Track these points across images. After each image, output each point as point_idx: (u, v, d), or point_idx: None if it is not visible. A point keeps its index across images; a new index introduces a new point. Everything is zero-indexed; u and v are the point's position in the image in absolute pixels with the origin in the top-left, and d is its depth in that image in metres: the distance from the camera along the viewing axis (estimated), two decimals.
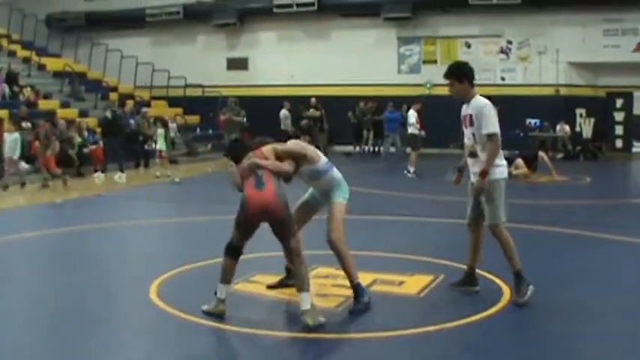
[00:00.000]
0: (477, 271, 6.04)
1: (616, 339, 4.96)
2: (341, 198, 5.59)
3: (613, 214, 10.61)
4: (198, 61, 24.07)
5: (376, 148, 21.83)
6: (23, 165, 14.35)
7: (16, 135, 14.07)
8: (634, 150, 21.29)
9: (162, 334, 5.18)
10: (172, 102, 23.72)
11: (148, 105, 21.84)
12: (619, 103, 21.08)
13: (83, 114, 19.31)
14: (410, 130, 15.60)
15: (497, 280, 6.19)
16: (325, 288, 6.02)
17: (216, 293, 5.25)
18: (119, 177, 15.10)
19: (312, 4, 22.42)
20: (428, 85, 21.44)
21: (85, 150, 16.39)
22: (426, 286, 6.17)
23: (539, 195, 12.85)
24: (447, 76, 5.83)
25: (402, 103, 18.71)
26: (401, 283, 6.28)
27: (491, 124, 5.60)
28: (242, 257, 5.32)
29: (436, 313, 5.47)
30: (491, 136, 5.58)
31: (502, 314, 5.40)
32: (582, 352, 4.75)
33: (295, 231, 5.31)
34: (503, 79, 21.38)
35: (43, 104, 18.97)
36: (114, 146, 16.14)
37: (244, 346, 5.00)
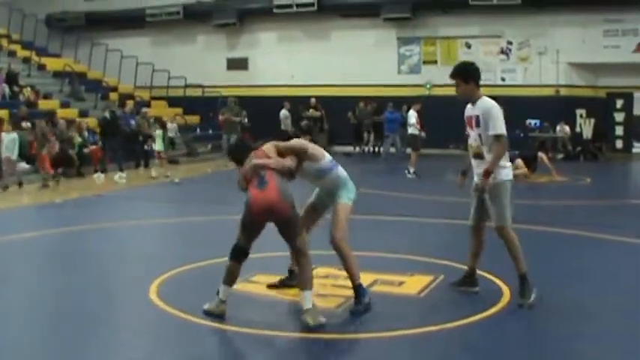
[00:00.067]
0: (477, 271, 6.04)
1: (615, 339, 4.97)
2: (346, 198, 5.56)
3: (613, 214, 10.61)
4: (198, 61, 24.08)
5: (376, 149, 21.83)
6: (22, 165, 14.35)
7: (14, 135, 14.07)
8: (634, 151, 21.28)
9: (162, 334, 5.18)
10: (172, 102, 23.73)
11: (148, 105, 21.88)
12: (619, 103, 21.08)
13: (83, 114, 19.33)
14: (410, 130, 15.59)
15: (497, 281, 6.20)
16: (325, 288, 6.02)
17: (218, 293, 5.25)
18: (119, 177, 15.11)
19: (312, 5, 22.43)
20: (428, 86, 21.45)
21: (85, 150, 16.41)
22: (426, 286, 6.17)
23: (539, 195, 12.84)
24: (453, 76, 5.77)
25: (402, 103, 18.65)
26: (401, 283, 6.28)
27: (499, 125, 5.56)
28: None
29: (436, 313, 5.47)
30: (498, 138, 5.54)
31: (502, 314, 5.41)
32: (581, 352, 4.76)
33: (301, 230, 5.30)
34: (503, 79, 21.34)
35: (43, 104, 18.97)
36: (113, 146, 16.14)
37: (244, 346, 5.01)
